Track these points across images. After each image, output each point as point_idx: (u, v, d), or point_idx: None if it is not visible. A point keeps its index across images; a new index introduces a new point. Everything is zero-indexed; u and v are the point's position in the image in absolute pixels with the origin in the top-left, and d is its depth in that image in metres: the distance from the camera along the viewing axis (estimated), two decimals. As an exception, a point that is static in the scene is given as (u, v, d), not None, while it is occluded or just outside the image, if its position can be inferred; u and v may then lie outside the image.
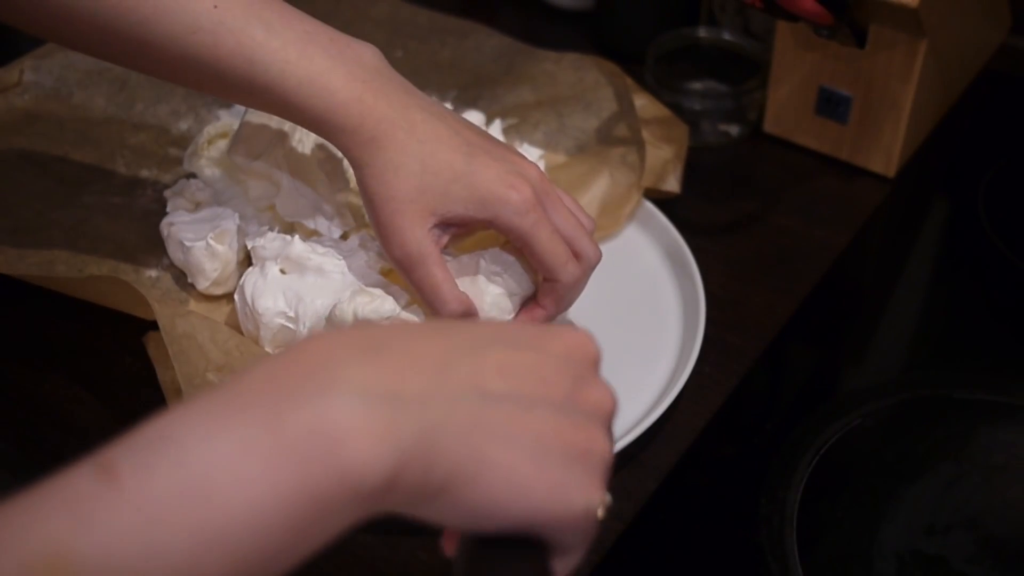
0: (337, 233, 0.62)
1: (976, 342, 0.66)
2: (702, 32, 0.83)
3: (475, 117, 0.72)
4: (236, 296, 0.59)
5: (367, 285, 0.56)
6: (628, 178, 0.70)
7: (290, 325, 0.57)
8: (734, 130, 0.80)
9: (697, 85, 0.83)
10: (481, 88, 0.80)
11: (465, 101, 0.79)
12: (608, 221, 0.68)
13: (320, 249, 0.58)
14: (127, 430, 0.30)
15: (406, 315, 0.55)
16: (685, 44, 0.83)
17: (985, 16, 0.82)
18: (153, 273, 0.64)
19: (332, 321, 0.54)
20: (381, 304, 0.54)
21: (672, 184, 0.70)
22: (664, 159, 0.70)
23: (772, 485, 0.55)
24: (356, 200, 0.65)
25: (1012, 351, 0.64)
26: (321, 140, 0.61)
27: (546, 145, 0.74)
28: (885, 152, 0.75)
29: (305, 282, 0.57)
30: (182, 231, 0.62)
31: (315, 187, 0.62)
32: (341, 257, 0.58)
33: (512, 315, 0.57)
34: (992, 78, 0.86)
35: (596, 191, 0.70)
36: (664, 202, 0.70)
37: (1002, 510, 0.54)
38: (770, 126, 0.80)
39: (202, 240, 0.61)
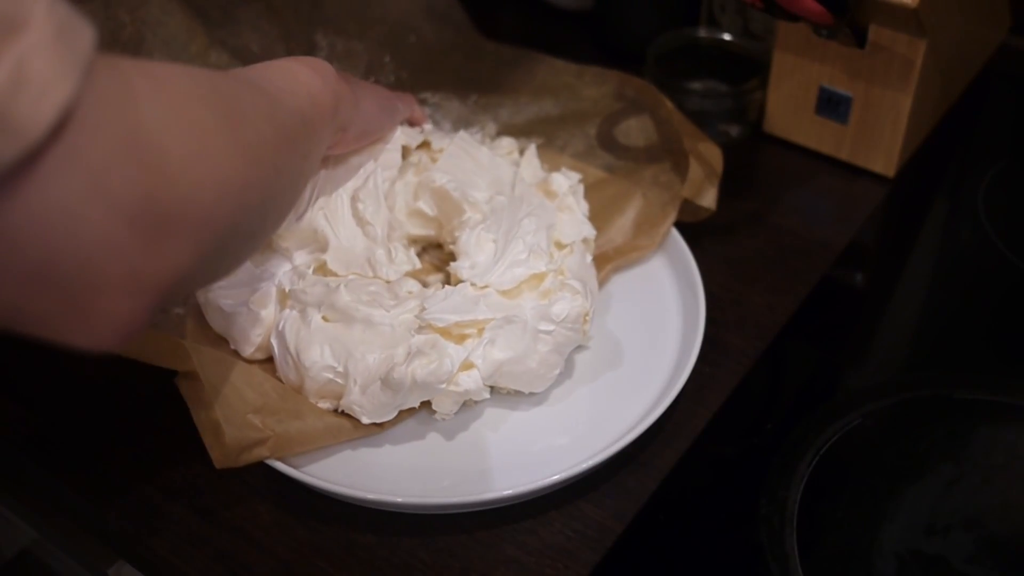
0: (397, 277, 0.59)
1: (976, 342, 0.66)
2: (702, 32, 0.83)
3: (505, 142, 0.70)
4: (274, 340, 0.56)
5: (417, 338, 0.54)
6: (661, 197, 0.68)
7: (339, 380, 0.54)
8: (734, 130, 0.80)
9: (697, 85, 0.83)
10: (503, 96, 0.78)
11: (487, 107, 0.77)
12: (645, 241, 0.67)
13: (365, 297, 0.55)
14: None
15: (463, 376, 0.54)
16: (685, 44, 0.83)
17: (985, 16, 0.82)
18: (180, 311, 0.61)
19: (389, 384, 0.52)
20: (439, 367, 0.52)
21: (709, 200, 0.68)
22: (701, 175, 0.68)
23: (772, 485, 0.55)
24: (413, 231, 0.65)
25: (1012, 351, 0.64)
26: (355, 187, 0.60)
27: (573, 167, 0.72)
28: (885, 152, 0.75)
29: (352, 334, 0.54)
30: (220, 297, 0.58)
31: (363, 231, 0.60)
32: (389, 307, 0.55)
33: (559, 369, 0.57)
34: (992, 78, 0.86)
35: (630, 212, 0.68)
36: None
37: (1002, 510, 0.54)
38: (770, 126, 0.80)
39: (243, 305, 0.57)
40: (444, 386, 0.54)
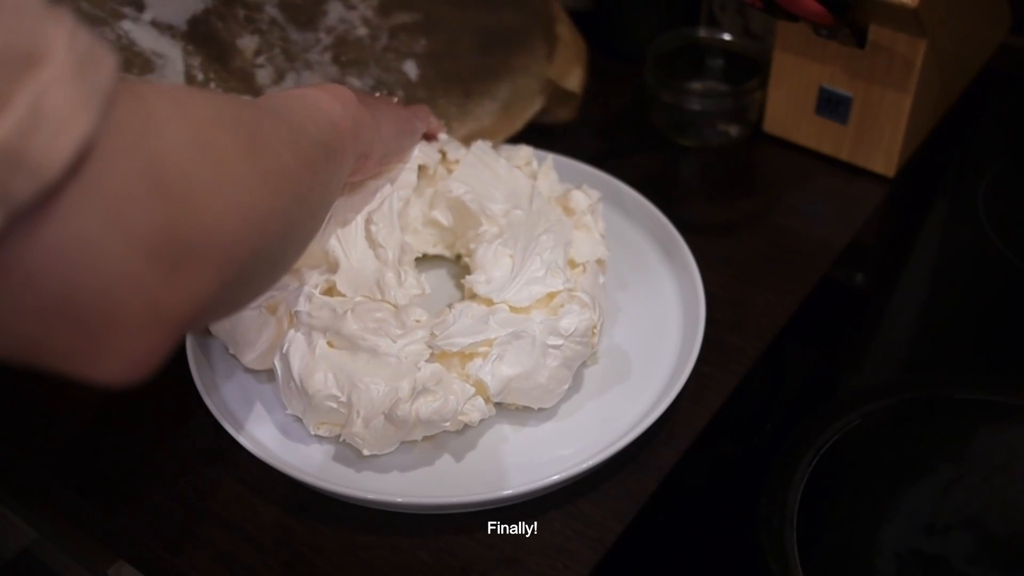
0: (406, 300, 0.58)
1: (976, 342, 0.66)
2: (702, 32, 0.83)
3: (523, 152, 0.68)
4: (277, 362, 0.55)
5: (423, 373, 0.53)
6: (531, 86, 0.73)
7: (342, 410, 0.53)
8: (734, 130, 0.80)
9: (697, 85, 0.84)
10: None
11: None
12: (506, 125, 0.72)
13: (372, 324, 0.54)
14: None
15: (469, 407, 0.54)
16: (685, 44, 0.83)
17: (985, 16, 0.82)
18: None
19: (392, 420, 0.52)
20: (444, 406, 0.52)
21: (573, 83, 0.74)
22: (569, 57, 0.74)
23: (772, 485, 0.55)
24: (426, 249, 0.65)
25: (1012, 351, 0.64)
26: (370, 210, 0.60)
27: (450, 49, 0.76)
28: (885, 152, 0.75)
29: (357, 364, 0.53)
30: None
31: (375, 253, 0.60)
32: (395, 336, 0.54)
33: (568, 384, 0.57)
34: (992, 78, 0.86)
35: (500, 97, 0.73)
36: (664, 202, 0.70)
37: (1002, 510, 0.54)
38: (770, 126, 0.80)
39: (251, 310, 0.57)
40: (448, 424, 0.53)
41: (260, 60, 0.69)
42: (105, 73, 0.30)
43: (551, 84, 0.73)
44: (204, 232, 0.34)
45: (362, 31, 0.74)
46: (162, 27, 0.65)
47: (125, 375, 0.34)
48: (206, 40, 0.67)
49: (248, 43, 0.68)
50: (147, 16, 0.65)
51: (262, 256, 0.39)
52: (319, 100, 0.50)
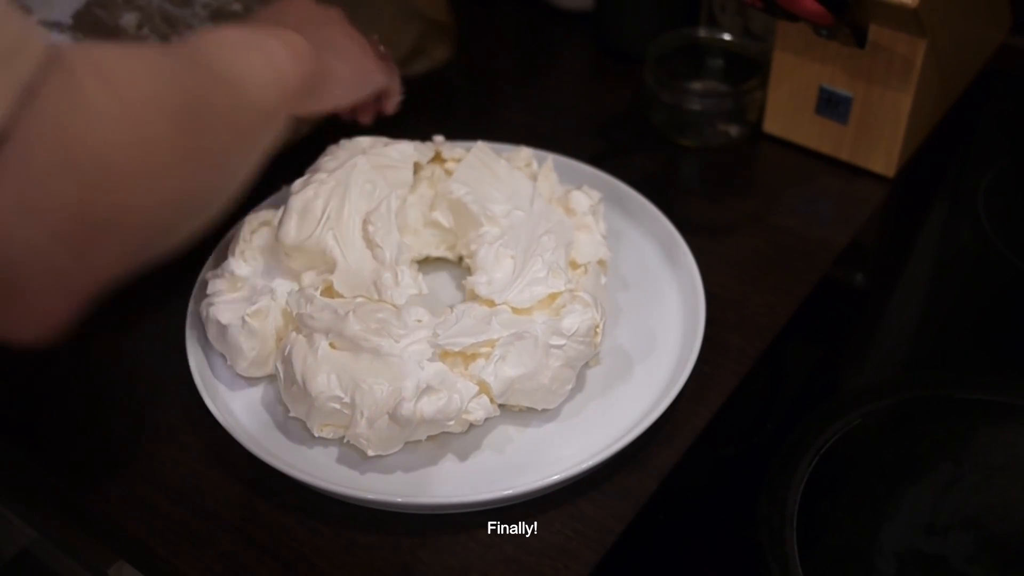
0: (403, 300, 0.57)
1: (976, 342, 0.66)
2: (702, 32, 0.83)
3: (524, 154, 0.68)
4: (279, 365, 0.56)
5: (426, 372, 0.53)
6: (403, 22, 0.76)
7: (345, 411, 0.53)
8: (734, 130, 0.80)
9: (697, 85, 0.83)
10: None
11: None
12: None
13: (374, 325, 0.54)
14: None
15: (474, 406, 0.54)
16: (685, 44, 0.83)
17: (985, 16, 0.82)
18: None
19: (396, 419, 0.52)
20: (448, 404, 0.52)
21: (439, 12, 0.78)
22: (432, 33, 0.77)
23: (772, 485, 0.55)
24: (426, 250, 0.66)
25: (1012, 351, 0.64)
26: (367, 210, 0.60)
27: None
28: (885, 152, 0.75)
29: (360, 364, 0.53)
30: (220, 311, 0.58)
31: (372, 253, 0.59)
32: (398, 336, 0.54)
33: (571, 384, 0.57)
34: (992, 78, 0.86)
35: (380, 32, 0.74)
36: (664, 202, 0.70)
37: (1002, 510, 0.54)
38: (770, 126, 0.80)
39: (240, 319, 0.57)
40: (452, 423, 0.53)
41: (144, 32, 0.72)
42: (27, 61, 0.31)
43: (422, 20, 0.77)
44: (117, 212, 0.35)
45: (236, 6, 0.78)
46: (49, 24, 0.68)
47: (32, 336, 0.36)
48: (92, 28, 0.69)
49: (130, 20, 0.71)
50: (33, 19, 0.67)
51: (178, 227, 0.40)
52: (274, 54, 0.49)
